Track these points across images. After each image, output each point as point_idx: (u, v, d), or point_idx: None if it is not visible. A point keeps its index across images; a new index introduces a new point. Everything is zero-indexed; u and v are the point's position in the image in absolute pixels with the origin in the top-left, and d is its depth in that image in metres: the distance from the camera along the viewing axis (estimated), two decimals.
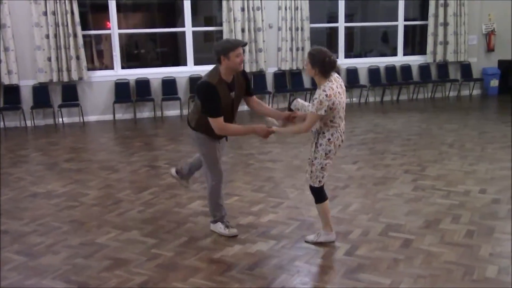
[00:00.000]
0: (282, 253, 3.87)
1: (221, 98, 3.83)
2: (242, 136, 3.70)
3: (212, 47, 3.96)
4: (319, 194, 3.92)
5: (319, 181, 3.87)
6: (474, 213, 4.56)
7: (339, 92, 3.70)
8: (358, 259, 3.72)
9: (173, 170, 4.60)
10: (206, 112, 3.85)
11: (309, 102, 3.89)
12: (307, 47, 11.10)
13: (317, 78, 3.72)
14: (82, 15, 9.92)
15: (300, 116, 4.01)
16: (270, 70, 11.00)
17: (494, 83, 12.46)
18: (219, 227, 4.23)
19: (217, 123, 3.84)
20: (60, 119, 9.90)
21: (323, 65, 3.66)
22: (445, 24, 12.03)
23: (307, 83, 11.09)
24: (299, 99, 4.19)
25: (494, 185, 5.36)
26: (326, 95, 3.62)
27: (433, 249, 3.85)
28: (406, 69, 12.08)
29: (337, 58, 11.82)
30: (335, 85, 3.70)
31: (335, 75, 3.76)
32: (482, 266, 3.56)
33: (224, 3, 10.45)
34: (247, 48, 10.58)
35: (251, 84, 4.25)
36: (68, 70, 9.74)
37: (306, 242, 4.04)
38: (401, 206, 4.80)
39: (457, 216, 4.50)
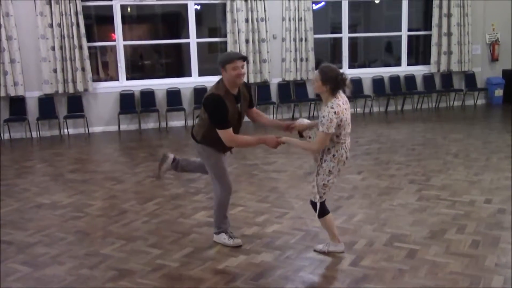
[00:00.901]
0: (287, 264, 3.86)
1: (228, 110, 3.84)
2: (252, 147, 3.71)
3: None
4: (319, 209, 3.89)
5: (320, 197, 3.86)
6: (480, 223, 4.55)
7: (345, 109, 3.71)
8: (363, 270, 3.71)
9: (171, 155, 4.45)
10: (215, 124, 3.85)
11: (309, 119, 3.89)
12: (311, 58, 11.15)
13: (326, 95, 3.70)
14: (87, 27, 10.01)
15: (300, 126, 3.99)
16: (274, 81, 11.03)
17: (499, 92, 12.45)
18: (223, 238, 4.23)
19: (226, 134, 3.85)
20: (66, 130, 9.95)
21: (336, 82, 3.65)
22: (449, 34, 12.05)
23: (311, 94, 11.11)
24: (304, 120, 4.10)
25: (499, 195, 5.34)
26: (335, 112, 3.61)
27: (438, 260, 3.83)
28: (410, 79, 12.10)
29: (341, 68, 11.92)
30: (341, 101, 3.71)
31: (340, 92, 3.77)
32: (487, 276, 3.55)
33: (228, 14, 10.51)
34: (251, 59, 10.63)
35: (253, 96, 4.26)
36: (74, 82, 9.80)
37: (315, 251, 4.02)
38: (406, 216, 4.79)
39: (462, 226, 4.48)
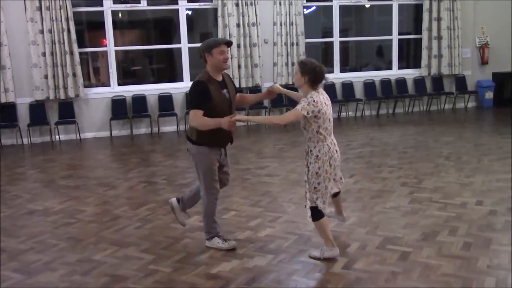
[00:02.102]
0: (280, 268, 3.86)
1: (213, 96, 3.90)
2: (212, 128, 3.80)
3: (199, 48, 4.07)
4: (313, 212, 3.88)
5: (314, 202, 3.86)
6: (471, 225, 4.57)
7: (325, 103, 3.78)
8: (356, 273, 3.71)
9: (173, 200, 4.50)
10: (190, 106, 3.93)
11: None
12: None
13: (305, 88, 3.78)
14: (78, 33, 9.98)
15: (278, 89, 4.25)
16: (266, 85, 11.03)
17: (489, 95, 12.54)
18: (217, 242, 4.21)
19: (195, 115, 3.87)
20: (57, 136, 9.91)
21: (314, 74, 3.73)
22: (439, 38, 12.14)
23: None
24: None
25: (491, 197, 5.37)
26: (314, 101, 3.70)
27: (430, 262, 3.85)
28: (401, 82, 12.16)
29: (333, 72, 11.94)
30: (322, 96, 3.78)
31: (320, 89, 3.82)
32: (480, 278, 3.56)
33: (219, 20, 10.53)
34: (242, 63, 10.65)
35: (235, 85, 4.31)
36: (65, 88, 9.77)
37: (311, 257, 4.00)
38: (398, 219, 4.81)
39: (454, 229, 4.50)
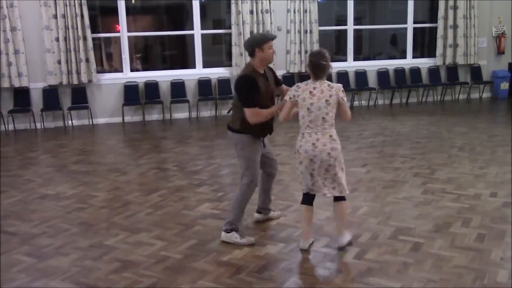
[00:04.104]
0: (291, 256, 3.85)
1: (260, 88, 3.96)
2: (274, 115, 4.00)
3: (244, 43, 4.15)
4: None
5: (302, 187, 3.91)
6: (485, 217, 4.52)
7: (310, 94, 3.72)
8: (367, 263, 3.69)
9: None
10: (243, 103, 3.94)
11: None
12: None
13: (311, 78, 3.81)
14: (91, 18, 9.97)
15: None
16: (279, 73, 10.97)
17: (504, 86, 12.38)
18: (234, 237, 4.09)
19: (251, 112, 3.92)
20: (70, 122, 9.95)
21: (312, 66, 3.75)
22: (455, 27, 11.97)
23: None
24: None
25: (505, 188, 5.31)
26: (297, 86, 3.78)
27: (443, 253, 3.81)
28: (416, 71, 12.04)
29: (346, 60, 11.82)
30: (313, 86, 3.74)
31: (326, 83, 3.76)
32: (493, 270, 3.53)
33: (233, 6, 10.46)
34: None
35: (276, 75, 4.36)
36: (78, 73, 9.79)
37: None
38: (410, 210, 4.77)
39: (467, 220, 4.46)
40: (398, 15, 12.52)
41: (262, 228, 4.42)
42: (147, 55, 13.21)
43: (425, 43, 13.29)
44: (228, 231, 4.13)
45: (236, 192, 4.23)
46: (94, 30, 10.17)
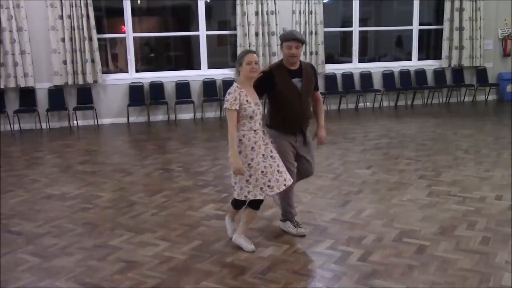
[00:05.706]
0: (295, 258, 3.85)
1: (277, 81, 3.99)
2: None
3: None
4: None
5: (245, 196, 3.85)
6: (490, 220, 4.50)
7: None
8: (372, 265, 3.68)
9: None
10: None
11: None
12: (321, 51, 11.10)
13: None
14: (97, 19, 10.00)
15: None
16: None
17: (510, 88, 12.33)
18: (288, 226, 4.29)
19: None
20: (75, 122, 9.98)
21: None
22: (461, 29, 11.95)
23: (321, 87, 11.06)
24: None
25: (510, 191, 5.28)
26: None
27: (448, 256, 3.80)
28: (421, 73, 12.01)
29: (351, 62, 11.80)
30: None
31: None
32: (498, 273, 3.51)
33: (238, 7, 10.47)
34: (260, 52, 10.60)
35: (316, 80, 4.28)
36: (83, 73, 9.82)
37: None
38: (415, 212, 4.76)
39: (473, 223, 4.44)
40: (404, 17, 12.49)
41: (266, 229, 4.41)
42: (152, 56, 13.24)
43: (430, 45, 13.27)
44: (283, 220, 4.37)
45: None
46: (99, 31, 10.20)
